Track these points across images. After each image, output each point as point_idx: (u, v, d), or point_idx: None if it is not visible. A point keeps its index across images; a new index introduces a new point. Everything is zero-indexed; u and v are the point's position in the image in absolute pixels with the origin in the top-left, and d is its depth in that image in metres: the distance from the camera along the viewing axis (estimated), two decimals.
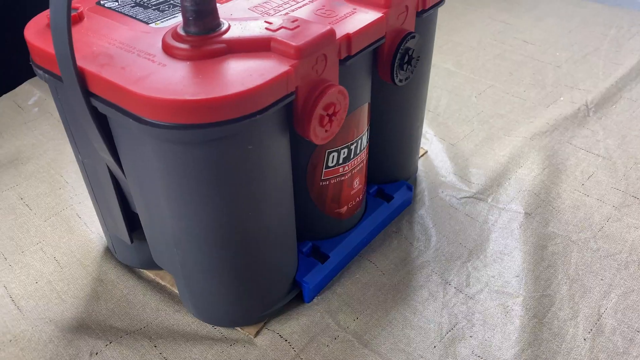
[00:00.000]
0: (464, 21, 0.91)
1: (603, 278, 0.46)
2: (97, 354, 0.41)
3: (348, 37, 0.36)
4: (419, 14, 0.43)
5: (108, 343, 0.42)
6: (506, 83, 0.74)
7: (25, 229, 0.53)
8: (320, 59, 0.34)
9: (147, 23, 0.38)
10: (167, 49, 0.34)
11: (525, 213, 0.53)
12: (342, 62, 0.37)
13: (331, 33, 0.35)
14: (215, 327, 0.43)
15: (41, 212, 0.55)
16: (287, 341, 0.42)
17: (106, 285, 0.47)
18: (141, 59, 0.33)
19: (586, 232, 0.50)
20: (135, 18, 0.38)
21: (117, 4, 0.41)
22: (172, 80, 0.31)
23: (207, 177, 0.34)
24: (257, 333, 0.43)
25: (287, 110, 0.35)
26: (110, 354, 0.41)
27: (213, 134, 0.31)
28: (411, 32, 0.41)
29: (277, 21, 0.35)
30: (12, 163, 0.62)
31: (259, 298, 0.42)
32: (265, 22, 0.35)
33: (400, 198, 0.52)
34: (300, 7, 0.39)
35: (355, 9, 0.39)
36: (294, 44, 0.33)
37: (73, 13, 0.38)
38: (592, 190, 0.55)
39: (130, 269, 0.48)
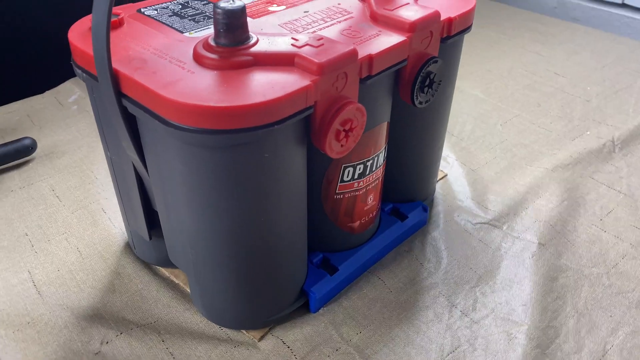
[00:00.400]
0: (497, 50, 0.92)
1: (612, 315, 0.46)
2: (107, 343, 0.43)
3: (370, 58, 0.37)
4: (443, 40, 0.44)
5: (119, 334, 0.44)
6: (533, 114, 0.74)
7: (53, 219, 0.55)
8: (341, 77, 0.36)
9: (182, 32, 0.40)
10: (197, 58, 0.36)
11: (539, 243, 0.52)
12: (362, 81, 0.38)
13: (353, 53, 0.36)
14: (222, 328, 0.45)
15: (69, 204, 0.57)
16: (290, 348, 0.43)
17: (123, 279, 0.49)
18: (172, 65, 0.35)
19: (599, 268, 0.50)
20: (171, 27, 0.41)
21: (156, 12, 0.43)
22: (198, 87, 0.33)
23: (225, 182, 0.35)
24: (262, 337, 0.44)
25: (305, 122, 0.37)
26: (120, 344, 0.43)
27: (233, 140, 0.33)
28: (434, 57, 0.42)
29: (303, 38, 0.37)
30: (48, 156, 0.65)
31: (266, 303, 0.43)
32: (292, 38, 0.37)
33: (414, 218, 0.53)
34: (329, 26, 0.41)
35: (380, 31, 0.41)
36: (316, 60, 0.34)
37: (114, 19, 0.41)
38: (609, 227, 0.55)
39: (147, 265, 0.50)
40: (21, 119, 0.72)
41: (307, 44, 0.36)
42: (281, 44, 0.36)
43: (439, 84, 0.45)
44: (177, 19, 0.42)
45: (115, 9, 0.42)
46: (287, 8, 0.44)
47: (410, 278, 0.49)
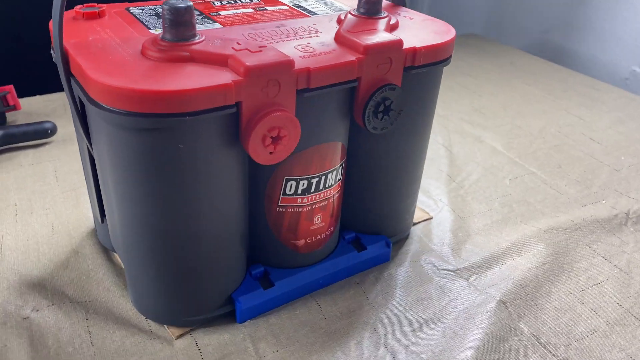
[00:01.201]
0: (536, 108, 0.88)
1: None
2: (37, 310, 0.45)
3: (308, 70, 0.38)
4: (407, 69, 0.43)
5: (51, 304, 0.46)
6: (550, 174, 0.69)
7: (44, 196, 0.59)
8: (272, 83, 0.36)
9: (149, 29, 0.43)
10: (142, 49, 0.38)
11: (500, 301, 0.49)
12: (300, 92, 0.38)
13: (287, 62, 0.36)
14: (147, 319, 0.45)
15: (63, 186, 0.61)
16: (200, 351, 0.42)
17: (78, 258, 0.51)
18: (119, 53, 0.38)
19: (560, 338, 0.45)
20: (143, 24, 0.44)
21: (140, 11, 0.46)
22: (126, 72, 0.35)
23: (142, 166, 0.36)
24: (180, 336, 0.44)
25: (234, 124, 0.37)
26: (48, 314, 0.45)
27: (144, 123, 0.34)
28: (391, 84, 0.42)
29: (246, 44, 0.38)
30: (64, 142, 0.70)
31: (186, 302, 0.44)
32: (237, 42, 0.38)
33: (373, 251, 0.51)
34: (289, 40, 0.42)
35: (334, 50, 0.41)
36: (244, 62, 0.35)
37: (94, 11, 0.44)
38: (589, 299, 0.50)
39: (105, 250, 0.52)
40: (56, 107, 0.78)
41: (245, 49, 0.37)
42: (221, 46, 0.38)
43: (399, 113, 0.44)
44: (155, 18, 0.45)
45: (104, 5, 0.46)
46: (264, 22, 0.46)
47: (350, 309, 0.47)
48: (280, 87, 0.37)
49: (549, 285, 0.51)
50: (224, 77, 0.35)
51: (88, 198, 0.59)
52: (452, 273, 0.52)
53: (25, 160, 0.66)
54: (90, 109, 0.37)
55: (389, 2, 0.53)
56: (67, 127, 0.73)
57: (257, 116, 0.37)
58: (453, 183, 0.66)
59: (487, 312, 0.47)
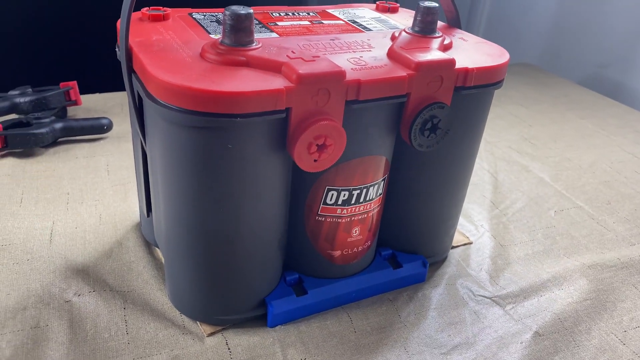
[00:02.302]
0: (587, 142, 0.86)
1: None
2: (79, 295, 0.47)
3: (358, 82, 0.38)
4: (458, 89, 0.43)
5: (92, 291, 0.47)
6: (598, 209, 0.67)
7: (94, 188, 0.62)
8: (322, 92, 0.37)
9: (210, 34, 0.44)
10: (202, 52, 0.39)
11: (537, 333, 0.47)
12: (350, 104, 0.39)
13: (339, 73, 0.37)
14: (181, 314, 0.46)
15: (113, 179, 0.64)
16: (230, 351, 0.43)
17: (121, 249, 0.53)
18: (180, 54, 0.39)
19: None
20: (204, 28, 0.45)
21: (202, 17, 0.48)
22: (185, 72, 0.36)
23: (191, 162, 0.38)
24: (211, 334, 0.45)
25: (284, 129, 0.38)
26: (88, 300, 0.46)
27: (195, 121, 0.35)
28: (440, 102, 0.42)
29: (300, 53, 0.39)
30: (119, 138, 0.73)
31: (220, 301, 0.44)
32: (292, 51, 0.39)
33: (409, 270, 0.51)
34: (342, 53, 0.43)
35: (387, 64, 0.41)
36: (296, 70, 0.36)
37: (159, 13, 0.46)
38: (632, 341, 0.48)
39: (148, 243, 0.54)
40: (114, 106, 0.82)
41: (299, 58, 0.38)
42: (276, 54, 0.39)
43: (446, 132, 0.44)
44: (215, 24, 0.47)
45: (169, 9, 0.48)
46: (319, 34, 0.47)
47: (381, 325, 0.47)
48: (330, 97, 0.38)
49: (589, 322, 0.49)
50: (276, 82, 0.36)
51: (135, 193, 0.61)
52: (488, 300, 0.51)
53: (80, 153, 0.69)
54: (147, 104, 0.38)
55: (444, 23, 0.54)
56: (122, 124, 0.76)
57: (305, 123, 0.37)
58: (496, 210, 0.65)
59: (521, 343, 0.46)
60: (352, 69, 0.40)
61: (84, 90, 0.80)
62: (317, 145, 0.38)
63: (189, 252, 0.42)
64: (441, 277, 0.53)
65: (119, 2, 0.39)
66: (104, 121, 0.72)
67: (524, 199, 0.68)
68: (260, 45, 0.40)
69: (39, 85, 0.77)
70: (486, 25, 1.44)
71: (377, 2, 0.58)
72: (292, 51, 0.39)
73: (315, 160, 0.39)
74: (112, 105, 0.82)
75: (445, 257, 0.56)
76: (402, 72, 0.40)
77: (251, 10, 0.38)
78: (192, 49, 0.40)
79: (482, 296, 0.51)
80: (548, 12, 1.33)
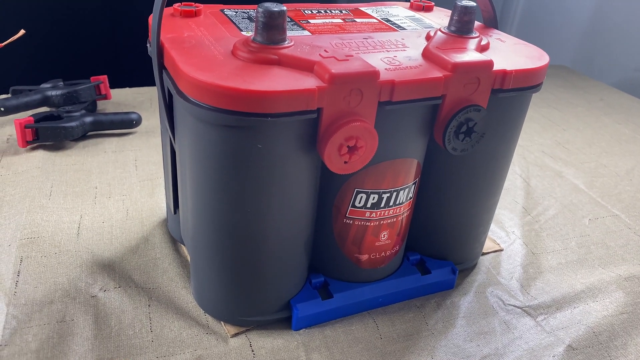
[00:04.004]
0: (625, 148, 0.83)
1: None
2: (105, 291, 0.47)
3: (392, 83, 0.37)
4: (495, 92, 0.42)
5: (117, 287, 0.47)
6: (635, 218, 0.65)
7: (122, 182, 0.62)
8: (355, 93, 0.36)
9: (241, 31, 0.44)
10: (233, 49, 0.39)
11: (570, 346, 0.46)
12: (383, 105, 0.38)
13: (372, 73, 0.36)
14: (205, 313, 0.46)
15: (141, 175, 0.64)
16: (253, 353, 0.42)
17: (147, 245, 0.53)
18: (211, 51, 0.39)
19: None
20: (236, 25, 0.45)
21: (234, 14, 0.48)
22: (216, 69, 0.36)
23: (220, 160, 0.37)
24: (236, 334, 0.44)
25: (313, 130, 0.37)
26: (114, 296, 0.46)
27: (228, 120, 0.35)
28: (476, 105, 0.41)
29: (333, 52, 0.38)
30: (147, 133, 0.73)
31: (245, 302, 0.44)
32: (324, 50, 0.39)
33: (438, 277, 0.50)
34: (375, 52, 0.42)
35: (422, 65, 0.40)
36: (329, 70, 0.35)
37: (191, 9, 0.46)
38: None
39: (173, 240, 0.54)
40: (144, 100, 0.82)
41: (332, 57, 0.37)
42: (309, 52, 0.38)
43: (482, 136, 0.42)
44: (247, 21, 0.46)
45: (200, 5, 0.47)
46: (352, 32, 0.46)
47: (407, 332, 0.46)
48: (363, 97, 0.37)
49: (626, 337, 0.47)
50: (308, 82, 0.35)
51: (162, 189, 0.61)
52: (519, 310, 0.49)
53: (109, 147, 0.69)
54: (177, 101, 0.38)
55: (480, 23, 0.52)
56: (150, 119, 0.76)
57: (336, 124, 0.36)
58: (528, 216, 0.63)
59: (554, 356, 0.45)
60: (385, 69, 0.39)
61: (114, 84, 0.81)
62: (348, 146, 0.37)
63: (215, 251, 0.42)
64: (470, 285, 0.52)
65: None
66: (133, 116, 0.72)
67: (557, 205, 0.66)
68: (292, 43, 0.39)
69: (70, 79, 0.77)
70: (519, 25, 1.41)
71: (412, 0, 0.56)
72: (325, 50, 0.39)
73: (345, 162, 0.38)
74: (142, 101, 0.82)
75: (475, 264, 0.54)
76: (437, 73, 0.39)
77: (284, 8, 0.37)
78: (223, 46, 0.40)
79: (513, 305, 0.50)
80: (583, 12, 1.30)
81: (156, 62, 0.40)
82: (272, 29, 0.38)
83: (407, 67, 0.39)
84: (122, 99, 0.82)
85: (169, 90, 0.40)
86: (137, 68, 0.86)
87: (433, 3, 0.56)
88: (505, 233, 0.60)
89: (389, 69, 0.39)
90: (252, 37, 0.39)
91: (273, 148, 0.36)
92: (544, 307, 0.50)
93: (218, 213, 0.40)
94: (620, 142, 0.85)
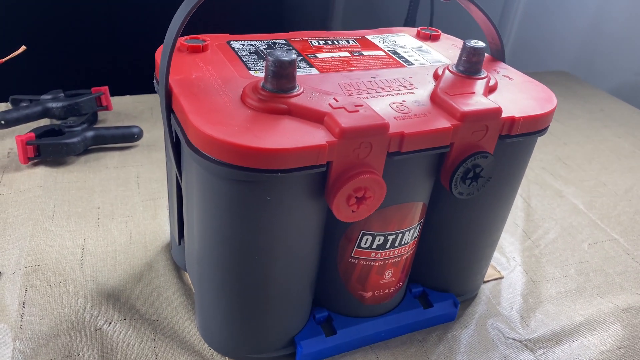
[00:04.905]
0: (624, 164, 0.83)
1: None
2: (110, 323, 0.47)
3: (402, 135, 0.37)
4: (503, 138, 0.42)
5: (123, 319, 0.48)
6: (633, 243, 0.66)
7: (125, 202, 0.62)
8: (364, 145, 0.36)
9: (249, 70, 0.43)
10: (243, 95, 0.38)
11: None
12: (391, 155, 0.38)
13: (383, 126, 0.36)
14: (210, 348, 0.46)
15: (143, 193, 0.64)
16: None
17: (151, 272, 0.53)
18: (220, 97, 0.39)
19: None
20: (243, 62, 0.44)
21: (241, 47, 0.47)
22: (226, 122, 0.35)
23: (229, 211, 0.37)
24: None
25: (322, 179, 0.37)
26: (119, 329, 0.47)
27: (235, 175, 0.35)
28: (484, 152, 0.41)
29: (343, 101, 0.38)
30: (148, 147, 0.73)
31: (250, 340, 0.44)
32: (334, 99, 0.38)
33: (439, 310, 0.50)
34: (384, 96, 0.42)
35: (430, 112, 0.40)
36: (341, 124, 0.35)
37: (198, 44, 0.45)
38: None
39: (177, 267, 0.54)
40: (144, 110, 0.82)
41: (342, 107, 0.37)
42: (319, 101, 0.38)
43: (488, 180, 0.43)
44: (254, 56, 0.46)
45: (205, 37, 0.47)
46: (358, 70, 0.46)
47: None
48: (372, 149, 0.37)
49: None
50: (318, 136, 0.35)
51: (165, 210, 0.61)
52: (519, 343, 0.50)
53: (111, 163, 0.69)
54: (185, 148, 0.38)
55: (487, 55, 0.52)
56: (152, 131, 0.76)
57: (345, 176, 0.36)
58: (528, 240, 0.64)
59: None
60: (395, 117, 0.39)
61: (113, 92, 0.80)
62: (356, 197, 0.37)
63: (221, 290, 0.42)
64: (471, 317, 0.52)
65: (148, 3, 0.38)
66: (135, 130, 0.71)
67: (557, 228, 0.67)
68: (302, 90, 0.39)
69: (69, 86, 0.77)
70: (519, 27, 1.40)
71: (419, 29, 0.56)
72: (335, 98, 0.38)
73: (353, 211, 0.38)
74: (142, 110, 0.82)
75: (476, 294, 0.55)
76: (446, 123, 0.39)
77: (294, 56, 0.37)
78: (232, 91, 0.39)
79: (513, 339, 0.51)
80: (584, 16, 1.29)
81: (164, 104, 0.39)
82: (282, 77, 0.37)
83: (415, 115, 0.39)
84: (122, 108, 0.82)
85: (175, 132, 0.40)
86: (136, 75, 0.85)
87: (440, 32, 0.56)
88: (505, 259, 0.61)
89: (398, 117, 0.39)
90: (261, 84, 0.38)
91: (282, 200, 0.37)
92: (543, 340, 0.51)
93: (224, 258, 0.40)
94: (620, 157, 0.86)
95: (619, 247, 0.65)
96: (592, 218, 0.70)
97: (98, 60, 0.94)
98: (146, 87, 0.86)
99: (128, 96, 0.85)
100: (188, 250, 0.47)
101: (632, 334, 0.52)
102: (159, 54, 0.44)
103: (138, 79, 0.85)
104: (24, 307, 0.47)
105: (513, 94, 0.45)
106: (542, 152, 0.85)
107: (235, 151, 0.34)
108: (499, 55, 0.51)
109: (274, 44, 0.49)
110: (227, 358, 0.46)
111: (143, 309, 0.49)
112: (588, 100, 1.05)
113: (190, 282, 0.52)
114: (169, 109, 0.40)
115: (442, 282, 0.52)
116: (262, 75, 0.42)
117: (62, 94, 0.74)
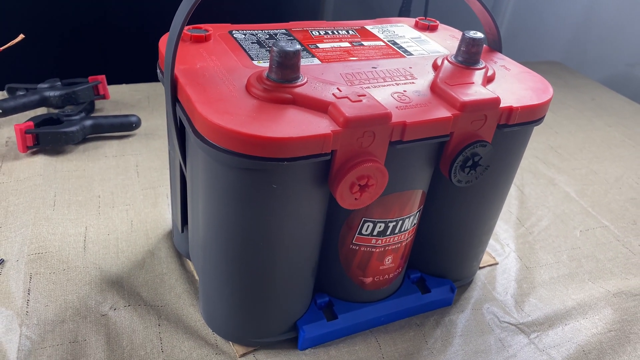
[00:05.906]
0: (614, 153, 0.85)
1: None
2: (115, 309, 0.48)
3: (404, 124, 0.38)
4: (500, 127, 0.43)
5: (127, 305, 0.48)
6: (623, 230, 0.67)
7: (125, 190, 0.63)
8: (367, 134, 0.37)
9: (252, 59, 0.44)
10: (247, 85, 0.39)
11: None
12: (393, 144, 0.39)
13: (386, 116, 0.37)
14: (214, 333, 0.47)
15: (143, 182, 0.64)
16: None
17: (153, 259, 0.54)
18: (225, 86, 0.39)
19: None
20: (246, 52, 0.45)
21: (243, 37, 0.48)
22: (233, 111, 0.36)
23: (234, 199, 0.38)
24: (244, 355, 0.46)
25: (326, 167, 0.38)
26: (124, 315, 0.47)
27: (242, 163, 0.35)
28: (482, 141, 0.42)
29: (346, 91, 0.39)
30: (147, 135, 0.73)
31: (254, 324, 0.45)
32: (338, 88, 0.39)
33: (437, 295, 0.52)
34: (385, 85, 0.42)
35: (431, 102, 0.41)
36: (345, 113, 0.36)
37: (201, 34, 0.46)
38: None
39: (179, 254, 0.55)
40: (141, 99, 0.82)
41: (346, 97, 0.38)
42: (323, 91, 0.39)
43: (486, 169, 0.44)
44: (257, 46, 0.46)
45: (207, 27, 0.47)
46: (358, 60, 0.46)
47: (408, 351, 0.48)
48: (375, 138, 0.38)
49: (613, 355, 0.50)
50: (323, 125, 0.36)
51: (165, 198, 0.62)
52: (514, 327, 0.52)
53: (109, 152, 0.69)
54: (191, 136, 0.38)
55: (485, 45, 0.53)
56: (149, 120, 0.76)
57: (349, 165, 0.37)
58: (522, 228, 0.65)
59: None
60: (396, 107, 0.39)
61: (111, 81, 0.80)
62: (359, 185, 0.38)
63: (225, 276, 0.43)
64: (467, 301, 0.54)
65: None
66: (133, 119, 0.72)
67: (550, 215, 0.68)
68: (305, 80, 0.39)
69: (66, 74, 0.77)
70: (511, 17, 1.41)
71: (417, 19, 0.57)
72: (338, 88, 0.39)
73: (356, 199, 0.39)
74: (140, 99, 0.82)
75: (472, 280, 0.56)
76: (447, 113, 0.40)
77: (299, 47, 0.38)
78: (237, 80, 0.40)
79: (508, 323, 0.52)
80: (576, 6, 1.30)
81: (169, 94, 0.40)
82: (287, 68, 0.38)
83: (416, 104, 0.40)
84: (119, 97, 0.82)
85: (180, 120, 0.41)
86: (133, 64, 0.85)
87: (438, 22, 0.57)
88: (500, 246, 0.62)
89: (400, 107, 0.40)
90: (265, 74, 0.39)
91: (287, 187, 0.37)
92: (537, 324, 0.52)
93: (229, 243, 0.41)
94: (610, 146, 0.87)
95: (609, 234, 0.66)
96: (584, 205, 0.71)
97: (94, 48, 0.94)
98: (143, 76, 0.86)
99: (125, 85, 0.85)
100: (192, 238, 0.48)
101: (622, 317, 0.54)
102: (163, 43, 0.44)
103: (135, 67, 0.85)
104: (29, 294, 0.48)
105: (510, 84, 0.46)
106: (534, 140, 0.86)
107: (243, 140, 0.34)
108: (496, 46, 0.52)
109: (275, 34, 0.49)
110: (230, 342, 0.47)
111: (147, 295, 0.50)
112: (580, 90, 1.07)
113: (192, 269, 0.53)
114: (175, 99, 0.40)
115: (439, 268, 0.53)
116: (265, 65, 0.43)
117: (59, 83, 0.74)
